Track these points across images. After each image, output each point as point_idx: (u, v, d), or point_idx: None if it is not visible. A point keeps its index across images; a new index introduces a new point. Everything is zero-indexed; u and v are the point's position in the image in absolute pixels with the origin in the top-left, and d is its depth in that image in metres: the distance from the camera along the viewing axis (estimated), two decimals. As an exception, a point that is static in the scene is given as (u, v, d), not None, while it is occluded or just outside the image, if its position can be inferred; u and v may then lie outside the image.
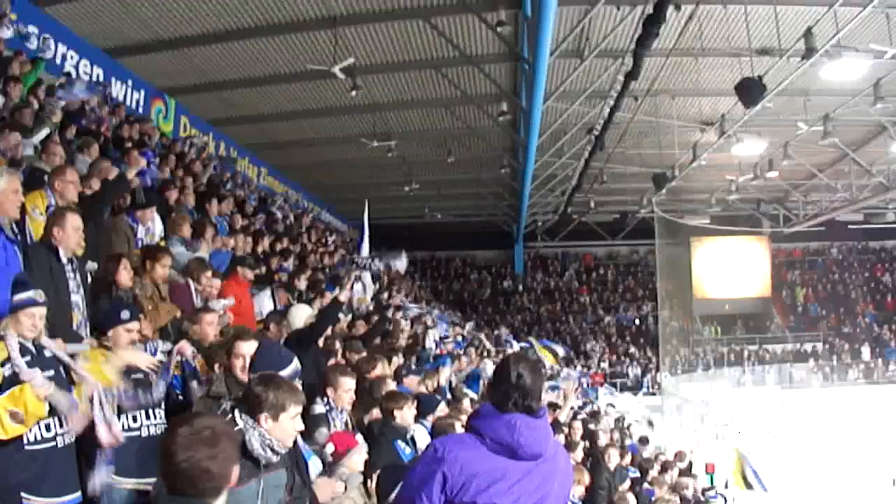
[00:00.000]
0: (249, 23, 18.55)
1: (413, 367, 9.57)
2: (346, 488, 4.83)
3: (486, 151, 29.15)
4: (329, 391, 6.00)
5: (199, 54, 20.16)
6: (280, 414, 3.82)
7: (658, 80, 21.22)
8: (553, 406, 12.75)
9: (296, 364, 4.47)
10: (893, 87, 19.71)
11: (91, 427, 4.72)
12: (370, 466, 5.23)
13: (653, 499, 11.20)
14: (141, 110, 20.14)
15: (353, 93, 20.51)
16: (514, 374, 3.54)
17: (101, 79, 18.42)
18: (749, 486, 21.07)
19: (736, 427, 29.03)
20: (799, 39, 16.19)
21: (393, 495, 4.42)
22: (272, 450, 3.76)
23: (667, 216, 34.89)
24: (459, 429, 5.77)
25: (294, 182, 31.78)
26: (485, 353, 19.50)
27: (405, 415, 6.25)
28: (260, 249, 13.44)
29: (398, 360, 9.36)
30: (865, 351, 39.72)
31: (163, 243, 8.90)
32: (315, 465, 4.84)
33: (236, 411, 3.84)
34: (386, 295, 17.60)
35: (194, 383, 5.58)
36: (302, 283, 11.97)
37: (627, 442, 19.00)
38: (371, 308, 13.98)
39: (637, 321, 44.05)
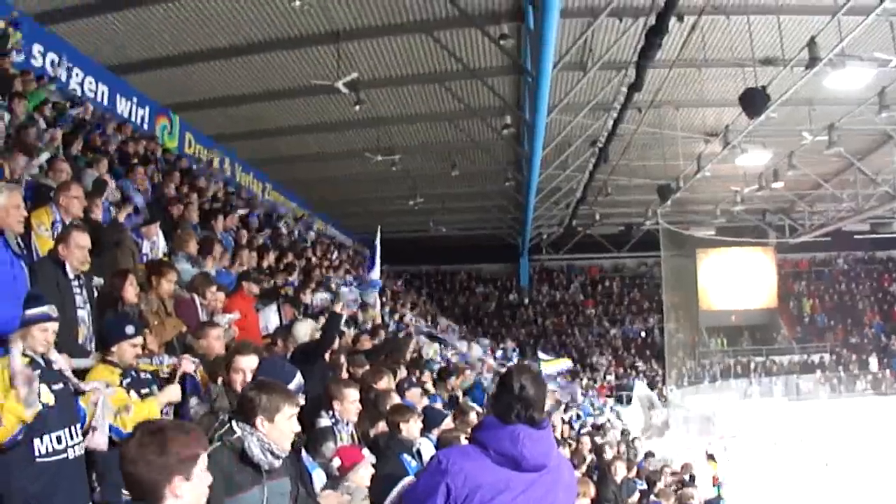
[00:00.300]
0: (253, 39, 18.60)
1: (415, 380, 9.54)
2: (351, 502, 4.80)
3: (490, 165, 29.19)
4: (335, 404, 5.99)
5: (203, 71, 20.21)
6: (275, 415, 3.82)
7: (661, 91, 21.20)
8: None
9: (299, 379, 4.46)
10: (898, 95, 19.70)
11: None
12: (376, 480, 5.21)
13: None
14: (146, 127, 20.19)
15: (357, 107, 20.55)
16: (517, 385, 3.53)
17: (107, 96, 18.51)
18: None
19: (743, 439, 28.92)
20: (802, 49, 16.13)
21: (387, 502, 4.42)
22: (272, 453, 3.75)
23: (672, 228, 34.81)
24: (465, 442, 5.75)
25: (299, 197, 31.78)
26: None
27: (411, 428, 6.23)
28: (265, 264, 13.43)
29: (401, 373, 9.33)
30: (873, 361, 39.53)
31: (165, 258, 8.93)
32: (319, 477, 4.83)
33: (233, 421, 3.84)
34: (398, 316, 17.58)
35: (193, 400, 5.56)
36: (308, 298, 11.98)
37: (635, 456, 18.95)
38: (379, 322, 13.98)
39: (643, 333, 43.95)
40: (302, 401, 4.38)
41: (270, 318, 9.76)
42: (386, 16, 17.78)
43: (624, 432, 23.80)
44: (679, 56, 18.92)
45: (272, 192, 29.24)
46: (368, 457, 5.38)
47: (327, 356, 8.11)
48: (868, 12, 14.75)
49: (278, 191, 29.98)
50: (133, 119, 19.68)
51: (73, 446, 4.67)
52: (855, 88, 18.32)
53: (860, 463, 24.39)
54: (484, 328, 42.72)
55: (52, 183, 8.16)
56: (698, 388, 38.20)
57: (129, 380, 5.17)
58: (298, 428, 3.99)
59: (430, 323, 27.42)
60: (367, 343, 10.65)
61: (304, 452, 4.87)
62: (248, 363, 5.17)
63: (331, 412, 5.99)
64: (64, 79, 16.71)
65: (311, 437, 5.71)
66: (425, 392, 9.45)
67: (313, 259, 19.25)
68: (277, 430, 3.82)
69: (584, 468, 11.75)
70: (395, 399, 7.11)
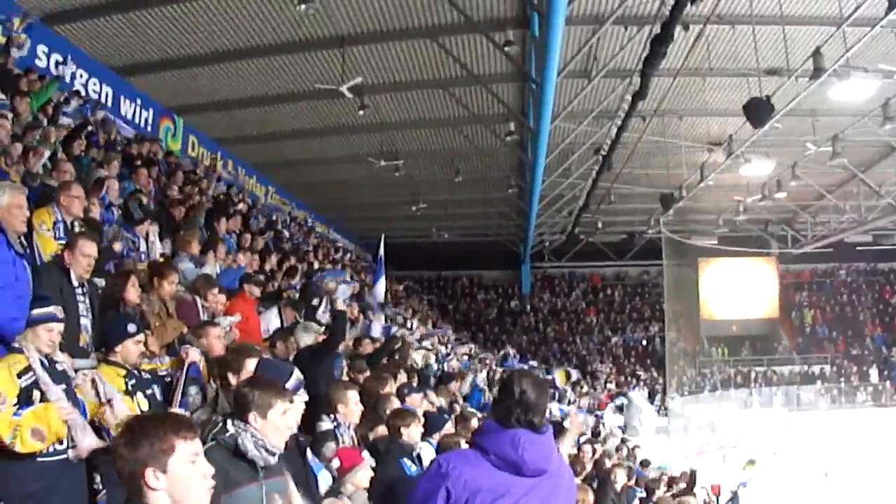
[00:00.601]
0: (258, 42, 18.60)
1: (415, 385, 9.53)
2: (352, 507, 4.79)
3: (493, 171, 29.20)
4: (340, 408, 5.99)
5: (207, 73, 20.21)
6: (268, 411, 3.82)
7: (666, 100, 21.20)
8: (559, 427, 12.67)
9: (297, 375, 4.45)
10: (903, 107, 19.68)
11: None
12: (376, 484, 5.20)
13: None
14: (150, 129, 20.20)
15: (361, 112, 20.57)
16: (518, 389, 3.53)
17: (111, 98, 18.52)
18: None
19: (743, 449, 28.87)
20: (807, 59, 16.12)
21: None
22: (266, 450, 3.73)
23: (674, 237, 34.83)
24: (465, 446, 5.75)
25: (301, 201, 31.79)
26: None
27: (412, 432, 6.22)
28: (267, 267, 13.44)
29: (402, 377, 9.32)
30: (874, 373, 39.50)
31: (161, 259, 8.95)
32: (325, 479, 4.82)
33: (228, 421, 3.84)
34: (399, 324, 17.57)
35: (193, 388, 5.58)
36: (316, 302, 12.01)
37: (633, 465, 18.92)
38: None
39: (644, 342, 43.92)
40: (305, 398, 4.39)
41: (271, 321, 9.77)
42: (391, 21, 17.77)
43: (624, 440, 23.77)
44: (684, 65, 18.90)
45: (275, 196, 29.25)
46: (368, 459, 5.38)
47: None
48: (873, 24, 14.74)
49: (281, 195, 29.98)
50: (137, 121, 19.71)
51: (73, 447, 4.70)
52: (859, 100, 18.31)
53: (859, 474, 24.37)
54: (485, 335, 42.73)
55: (55, 183, 8.16)
56: (698, 398, 38.16)
57: (133, 381, 5.18)
58: (293, 424, 3.98)
59: (429, 328, 27.40)
60: (368, 347, 10.64)
61: (310, 454, 4.86)
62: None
63: (332, 416, 5.99)
64: (68, 79, 16.73)
65: (312, 439, 5.71)
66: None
67: (315, 263, 19.22)
68: (271, 426, 3.81)
69: (583, 476, 11.72)
70: (396, 403, 7.11)
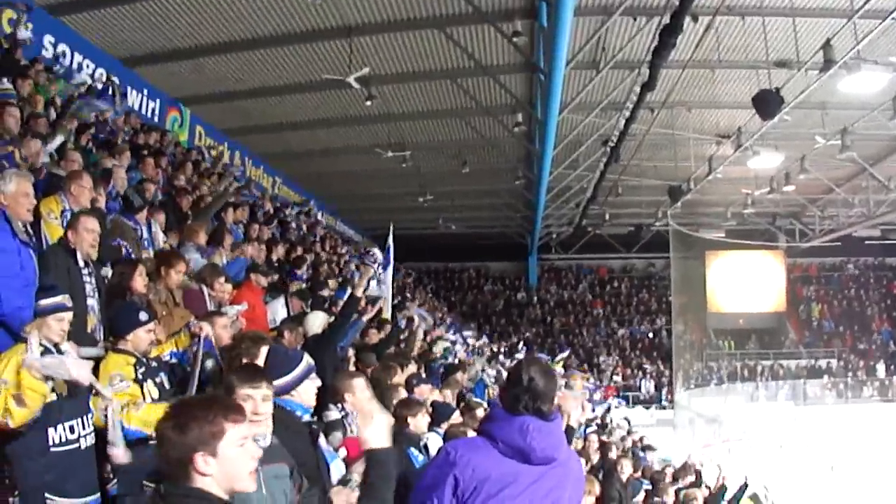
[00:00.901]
0: (265, 32, 18.56)
1: (423, 375, 9.50)
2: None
3: (500, 163, 29.15)
4: (347, 396, 5.96)
5: (214, 64, 20.20)
6: (230, 394, 3.72)
7: (674, 91, 21.12)
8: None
9: (307, 361, 4.41)
10: (913, 101, 19.58)
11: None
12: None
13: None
14: (156, 119, 20.20)
15: (368, 102, 20.52)
16: (526, 377, 3.52)
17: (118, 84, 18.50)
18: None
19: (749, 442, 28.83)
20: (817, 52, 16.05)
21: None
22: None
23: (682, 229, 34.75)
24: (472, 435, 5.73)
25: (308, 192, 31.76)
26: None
27: (419, 422, 6.20)
28: (274, 258, 13.42)
29: (412, 368, 9.29)
30: (881, 368, 39.52)
31: (166, 246, 8.95)
32: (337, 468, 4.79)
33: None
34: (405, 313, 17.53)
35: (210, 362, 5.57)
36: (326, 293, 12.02)
37: (642, 456, 18.91)
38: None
39: (651, 334, 43.91)
40: (318, 383, 4.36)
41: (278, 311, 9.75)
42: (399, 11, 17.72)
43: (630, 432, 23.75)
44: (693, 56, 18.83)
45: (282, 187, 29.25)
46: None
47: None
48: (884, 16, 14.70)
49: (288, 185, 29.97)
50: (143, 111, 19.68)
51: (84, 436, 4.73)
52: (869, 93, 18.18)
53: (866, 468, 24.31)
54: (492, 326, 42.75)
55: (63, 173, 8.15)
56: (704, 391, 38.15)
57: (143, 368, 5.16)
58: (270, 410, 3.90)
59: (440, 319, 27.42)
60: (374, 336, 10.63)
61: (323, 442, 4.84)
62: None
63: (340, 405, 5.97)
64: (75, 69, 16.73)
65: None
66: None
67: (322, 254, 19.21)
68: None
69: (589, 467, 11.69)
70: (404, 394, 7.09)
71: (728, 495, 15.09)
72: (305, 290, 11.47)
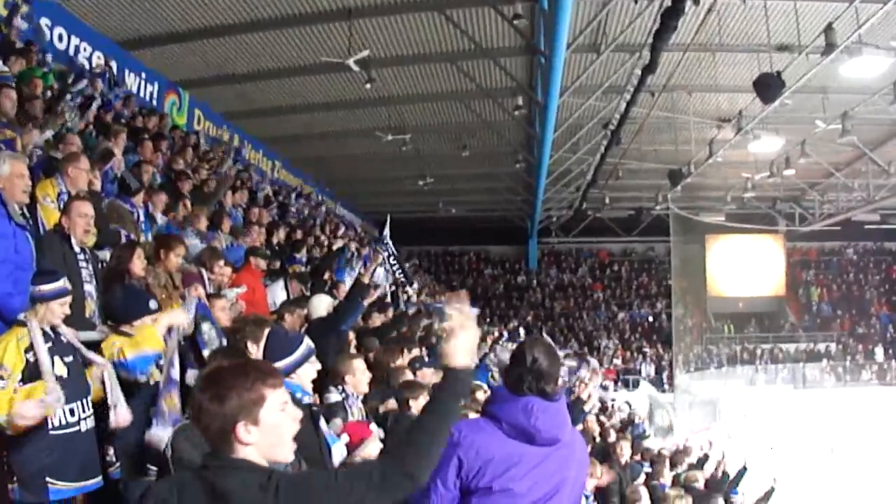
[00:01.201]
0: (264, 15, 18.49)
1: (426, 358, 9.50)
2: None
3: (500, 146, 29.09)
4: (347, 378, 5.96)
5: (213, 47, 20.12)
6: None
7: (675, 75, 21.09)
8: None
9: (307, 344, 4.41)
10: (914, 85, 19.52)
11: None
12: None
13: (665, 491, 11.11)
14: (155, 103, 20.11)
15: (368, 86, 20.47)
16: (530, 357, 3.50)
17: (115, 71, 18.41)
18: None
19: (749, 425, 28.87)
20: (819, 35, 16.01)
21: None
22: None
23: (682, 213, 34.74)
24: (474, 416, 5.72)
25: (308, 175, 31.72)
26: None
27: (420, 404, 6.19)
28: (275, 241, 13.42)
29: (416, 351, 9.29)
30: (879, 352, 39.52)
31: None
32: (339, 451, 4.79)
33: None
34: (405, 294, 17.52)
35: (205, 325, 5.56)
36: (327, 275, 12.04)
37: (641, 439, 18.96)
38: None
39: (651, 318, 43.92)
40: (318, 366, 4.35)
41: (278, 294, 9.74)
42: (399, -7, 17.70)
43: (630, 415, 23.82)
44: (694, 40, 18.81)
45: (281, 171, 29.19)
46: (377, 432, 5.35)
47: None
48: (886, 0, 14.61)
49: (287, 169, 29.91)
50: (142, 95, 19.60)
51: (84, 419, 4.72)
52: (870, 77, 18.14)
53: (865, 452, 24.39)
54: (491, 310, 42.75)
55: (61, 155, 8.12)
56: (704, 374, 38.21)
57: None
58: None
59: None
60: (376, 320, 10.61)
61: (324, 425, 4.83)
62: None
63: (340, 387, 5.96)
64: (72, 53, 16.69)
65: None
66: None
67: (322, 237, 19.20)
68: None
69: (590, 448, 11.70)
70: (407, 375, 7.09)
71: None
72: (305, 273, 11.47)
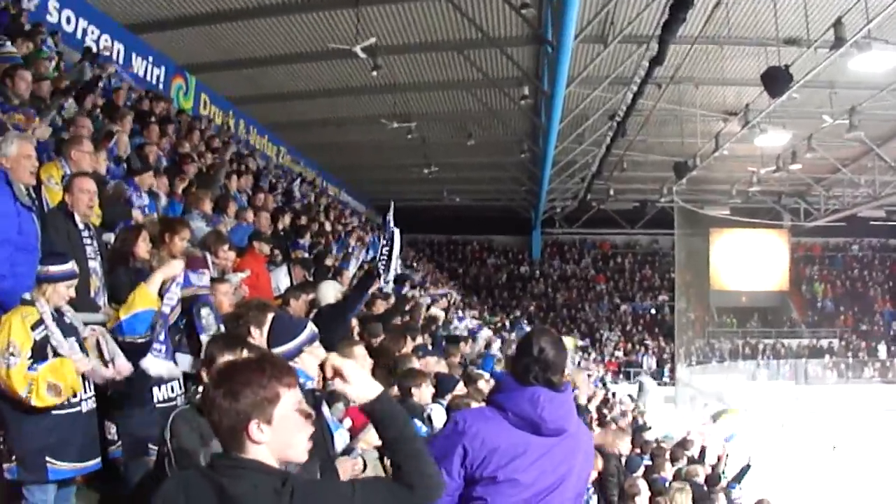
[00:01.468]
0: (271, 0, 18.46)
1: (429, 347, 9.50)
2: (364, 466, 4.76)
3: (506, 135, 29.04)
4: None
5: (220, 31, 20.09)
6: (211, 364, 3.76)
7: (682, 67, 21.02)
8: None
9: (310, 329, 4.39)
10: (923, 81, 19.48)
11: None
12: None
13: (666, 485, 11.11)
14: (161, 87, 20.07)
15: (374, 73, 20.40)
16: (537, 347, 3.48)
17: (122, 54, 18.40)
18: None
19: (750, 420, 28.85)
20: (828, 29, 15.95)
21: None
22: None
23: (686, 206, 34.72)
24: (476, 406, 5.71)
25: (313, 161, 31.71)
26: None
27: (422, 393, 6.20)
28: (280, 226, 13.40)
29: (420, 339, 9.29)
30: (882, 349, 39.58)
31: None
32: (342, 437, 4.78)
33: (202, 385, 3.80)
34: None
35: (204, 310, 5.57)
36: (329, 261, 12.01)
37: (642, 432, 18.94)
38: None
39: (653, 311, 43.93)
40: (322, 352, 4.34)
41: (281, 280, 9.73)
42: (407, -19, 17.65)
43: (635, 408, 23.83)
44: (702, 32, 18.72)
45: (286, 157, 29.17)
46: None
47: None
48: (897, -6, 14.56)
49: (293, 155, 29.90)
50: (148, 78, 19.58)
51: (86, 400, 4.78)
52: (879, 72, 18.13)
53: (867, 448, 24.36)
54: (494, 300, 42.80)
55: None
56: (706, 368, 38.20)
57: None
58: None
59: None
60: (380, 307, 10.59)
61: (326, 411, 4.82)
62: None
63: (343, 375, 5.94)
64: (79, 36, 16.67)
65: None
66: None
67: (326, 224, 19.18)
68: None
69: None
70: (414, 363, 7.09)
71: (728, 472, 15.10)
72: (308, 258, 11.46)
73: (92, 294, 5.72)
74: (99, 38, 17.46)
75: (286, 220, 14.06)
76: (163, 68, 20.48)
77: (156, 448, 4.55)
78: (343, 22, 19.14)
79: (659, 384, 36.51)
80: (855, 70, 18.02)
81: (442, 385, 6.96)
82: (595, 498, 8.52)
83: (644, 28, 19.06)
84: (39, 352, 4.50)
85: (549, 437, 3.42)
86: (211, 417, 2.44)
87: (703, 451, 16.18)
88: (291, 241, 12.95)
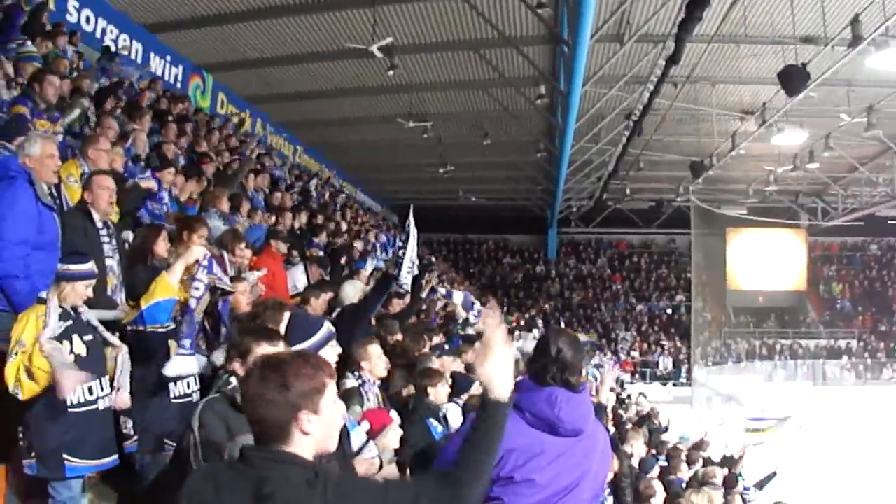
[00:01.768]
0: (289, 0, 18.51)
1: (446, 346, 9.51)
2: (381, 466, 4.78)
3: (522, 135, 28.98)
4: (364, 364, 5.95)
5: (237, 31, 20.16)
6: (246, 356, 3.77)
7: (699, 66, 20.95)
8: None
9: (327, 327, 4.40)
10: (941, 79, 19.34)
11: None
12: (404, 444, 5.19)
13: (682, 486, 11.09)
14: (179, 86, 20.21)
15: (391, 72, 20.39)
16: (554, 348, 3.49)
17: (141, 54, 18.51)
18: None
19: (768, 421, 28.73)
20: (845, 27, 15.88)
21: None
22: None
23: (703, 205, 34.60)
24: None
25: (329, 161, 31.77)
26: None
27: (439, 392, 6.20)
28: (296, 225, 13.44)
29: (437, 339, 9.30)
30: (901, 350, 39.30)
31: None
32: (358, 436, 4.79)
33: (233, 377, 3.82)
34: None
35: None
36: (343, 260, 12.05)
37: (658, 432, 18.90)
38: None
39: (669, 311, 43.79)
40: (338, 350, 4.36)
41: (298, 278, 9.75)
42: (422, -20, 17.66)
43: (653, 409, 23.77)
44: (718, 31, 18.65)
45: (303, 156, 29.24)
46: (397, 419, 5.35)
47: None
48: (915, -9, 14.48)
49: (309, 154, 29.97)
50: (166, 78, 19.69)
51: (102, 397, 4.80)
52: (897, 70, 18.01)
53: (884, 449, 24.21)
54: (510, 299, 42.76)
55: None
56: (722, 369, 38.05)
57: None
58: None
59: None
60: (396, 306, 10.60)
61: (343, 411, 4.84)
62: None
63: (357, 373, 5.96)
64: (98, 35, 16.78)
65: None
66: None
67: (343, 223, 19.23)
68: None
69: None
70: (435, 363, 7.09)
71: (747, 474, 15.03)
72: (324, 257, 11.49)
73: (109, 292, 5.77)
74: (118, 37, 17.61)
75: (303, 219, 14.11)
76: (180, 67, 20.61)
77: (173, 444, 4.60)
78: (360, 21, 19.16)
79: (675, 385, 36.47)
80: (873, 68, 17.88)
81: (458, 385, 6.96)
82: (611, 499, 8.50)
83: (660, 27, 19.00)
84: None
85: (567, 438, 3.43)
86: (257, 411, 2.41)
87: (729, 460, 16.06)
88: (307, 239, 12.98)
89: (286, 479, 2.33)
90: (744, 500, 13.32)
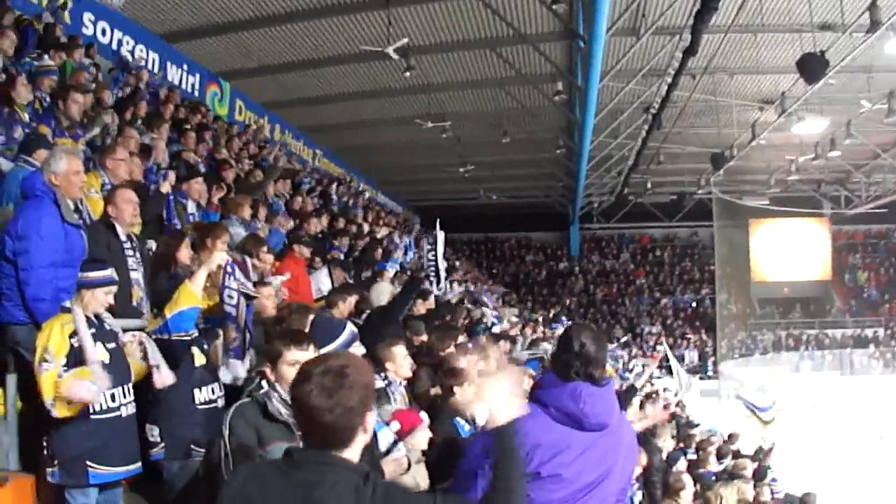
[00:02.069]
0: (303, 5, 18.59)
1: (469, 346, 9.51)
2: (409, 466, 4.79)
3: (541, 132, 28.92)
4: (388, 365, 5.97)
5: (253, 38, 20.24)
6: (276, 360, 3.80)
7: (716, 57, 20.83)
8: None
9: (350, 329, 4.43)
10: (962, 62, 19.16)
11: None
12: (433, 444, 5.20)
13: (712, 479, 11.06)
14: (196, 94, 20.29)
15: (408, 73, 20.39)
16: (577, 343, 3.49)
17: (157, 63, 18.61)
18: None
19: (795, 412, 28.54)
20: (863, 13, 15.76)
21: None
22: (286, 402, 3.62)
23: (725, 197, 34.44)
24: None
25: (348, 164, 31.83)
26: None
27: (465, 392, 6.19)
28: (317, 229, 13.49)
29: (462, 338, 9.30)
30: (929, 337, 38.94)
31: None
32: (385, 437, 4.81)
33: (264, 381, 3.84)
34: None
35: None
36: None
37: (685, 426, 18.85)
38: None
39: (694, 304, 43.58)
40: (362, 350, 4.37)
41: (322, 281, 9.79)
42: (436, -20, 17.67)
43: (679, 403, 23.69)
44: (735, 21, 18.55)
45: (322, 160, 29.32)
46: (426, 420, 5.35)
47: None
48: (934, -25, 14.36)
49: (328, 158, 30.04)
50: (184, 86, 19.78)
51: (125, 404, 4.83)
52: (917, 54, 17.87)
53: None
54: (534, 296, 42.70)
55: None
56: (749, 361, 37.84)
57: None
58: None
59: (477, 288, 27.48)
60: (421, 307, 10.62)
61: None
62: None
63: (382, 374, 5.97)
64: (115, 47, 16.87)
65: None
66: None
67: (364, 226, 19.26)
68: (279, 376, 3.78)
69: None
70: (462, 362, 7.09)
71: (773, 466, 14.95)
72: (348, 260, 11.53)
73: (134, 303, 5.80)
74: (134, 48, 17.69)
75: (324, 223, 14.15)
76: (197, 76, 20.69)
77: (200, 450, 4.62)
78: (375, 24, 19.19)
79: (701, 378, 36.25)
80: (892, 53, 17.78)
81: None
82: (640, 493, 8.48)
83: (676, 19, 18.93)
84: (77, 359, 4.56)
85: (592, 433, 3.43)
86: (319, 418, 2.37)
87: (763, 452, 16.01)
88: (329, 243, 13.03)
89: (335, 485, 2.33)
90: (772, 491, 13.25)
